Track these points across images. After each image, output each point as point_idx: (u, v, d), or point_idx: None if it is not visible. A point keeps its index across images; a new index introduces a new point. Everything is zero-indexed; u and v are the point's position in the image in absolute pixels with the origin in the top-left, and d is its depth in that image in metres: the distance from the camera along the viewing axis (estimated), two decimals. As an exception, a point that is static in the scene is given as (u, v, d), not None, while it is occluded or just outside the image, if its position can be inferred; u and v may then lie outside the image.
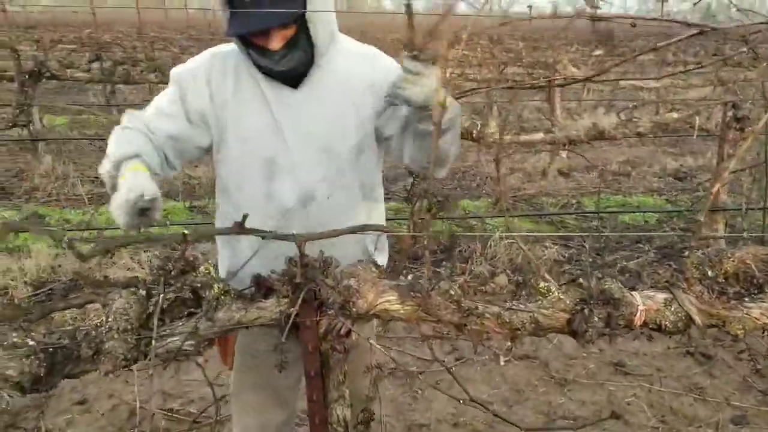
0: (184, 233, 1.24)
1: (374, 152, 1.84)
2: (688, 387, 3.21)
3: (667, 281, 1.44)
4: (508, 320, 1.36)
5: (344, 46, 1.79)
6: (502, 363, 3.39)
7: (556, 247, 4.86)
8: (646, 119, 4.38)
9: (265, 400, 1.98)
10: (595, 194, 6.41)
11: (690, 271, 1.44)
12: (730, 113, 4.02)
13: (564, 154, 7.04)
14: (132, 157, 1.58)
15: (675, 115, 4.44)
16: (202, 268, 1.32)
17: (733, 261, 1.49)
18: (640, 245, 5.03)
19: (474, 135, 4.27)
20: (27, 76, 6.21)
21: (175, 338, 1.32)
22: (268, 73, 1.70)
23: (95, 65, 8.33)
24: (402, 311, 1.36)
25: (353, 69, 1.76)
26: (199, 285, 1.31)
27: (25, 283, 4.16)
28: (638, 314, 1.41)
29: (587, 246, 5.07)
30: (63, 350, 1.28)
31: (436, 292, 1.35)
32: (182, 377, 3.25)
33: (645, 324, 1.43)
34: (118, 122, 1.73)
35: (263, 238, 1.36)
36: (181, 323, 1.33)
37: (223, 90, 1.73)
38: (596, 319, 1.39)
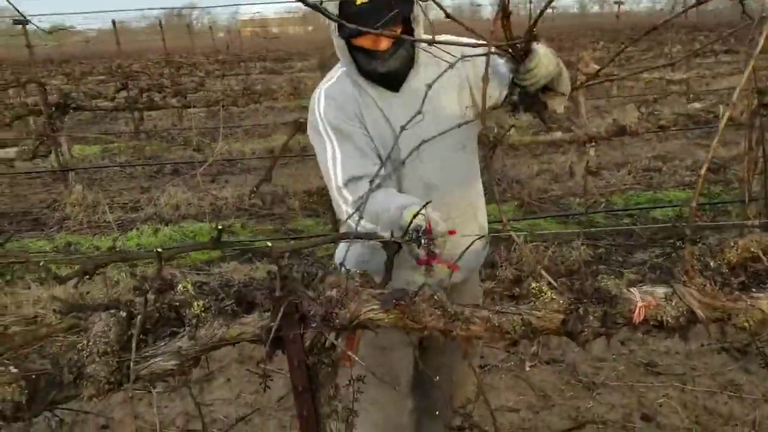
0: (158, 251, 1.23)
1: (474, 147, 2.01)
2: (723, 385, 3.08)
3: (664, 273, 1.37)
4: (497, 323, 1.31)
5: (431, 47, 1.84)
6: (527, 368, 3.31)
7: (583, 247, 4.75)
8: (667, 111, 4.28)
9: (391, 393, 2.00)
10: (624, 192, 6.27)
11: (689, 262, 1.37)
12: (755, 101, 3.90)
13: (592, 152, 6.90)
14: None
15: (697, 105, 4.32)
16: (180, 287, 1.30)
17: (737, 250, 1.41)
18: (672, 241, 4.89)
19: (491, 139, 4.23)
20: (53, 109, 6.35)
21: (158, 359, 1.30)
22: (373, 77, 1.82)
23: (121, 94, 8.51)
24: (386, 320, 1.32)
25: (444, 67, 1.77)
26: (177, 304, 1.29)
27: (54, 311, 4.22)
28: (637, 311, 1.34)
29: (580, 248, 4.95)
30: (46, 376, 1.27)
31: (420, 297, 1.31)
32: (206, 397, 3.26)
33: (645, 320, 1.36)
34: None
35: (242, 251, 1.33)
36: (163, 343, 1.32)
37: (359, 110, 1.86)
38: (591, 318, 1.34)
